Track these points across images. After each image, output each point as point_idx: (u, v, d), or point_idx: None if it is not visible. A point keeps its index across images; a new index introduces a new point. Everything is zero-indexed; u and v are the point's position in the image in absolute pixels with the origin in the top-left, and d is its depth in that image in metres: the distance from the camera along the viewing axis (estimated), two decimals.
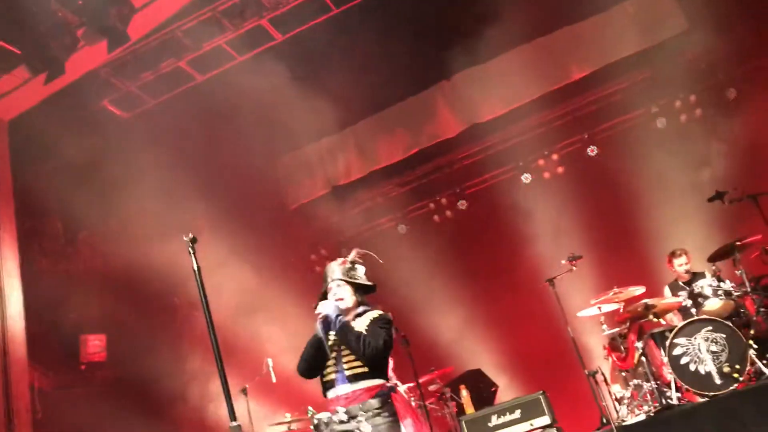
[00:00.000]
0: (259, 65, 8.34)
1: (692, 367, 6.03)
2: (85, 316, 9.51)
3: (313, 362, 4.03)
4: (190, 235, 3.68)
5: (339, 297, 4.14)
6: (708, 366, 6.00)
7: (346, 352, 3.97)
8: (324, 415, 3.89)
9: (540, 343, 8.32)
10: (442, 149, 10.05)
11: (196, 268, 3.60)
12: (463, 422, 6.32)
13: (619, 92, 9.57)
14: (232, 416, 3.32)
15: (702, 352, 6.06)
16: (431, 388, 7.43)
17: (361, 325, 4.02)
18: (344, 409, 3.86)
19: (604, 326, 6.84)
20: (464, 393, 7.23)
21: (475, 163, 10.15)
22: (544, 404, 6.05)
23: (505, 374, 8.36)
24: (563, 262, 6.88)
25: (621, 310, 6.83)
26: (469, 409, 7.04)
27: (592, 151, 9.57)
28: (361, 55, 8.94)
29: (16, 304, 7.69)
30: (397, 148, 9.98)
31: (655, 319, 6.59)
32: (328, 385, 4.00)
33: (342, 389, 3.92)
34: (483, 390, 7.71)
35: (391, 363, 4.84)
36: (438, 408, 7.38)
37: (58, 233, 9.46)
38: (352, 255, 4.33)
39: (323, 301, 4.10)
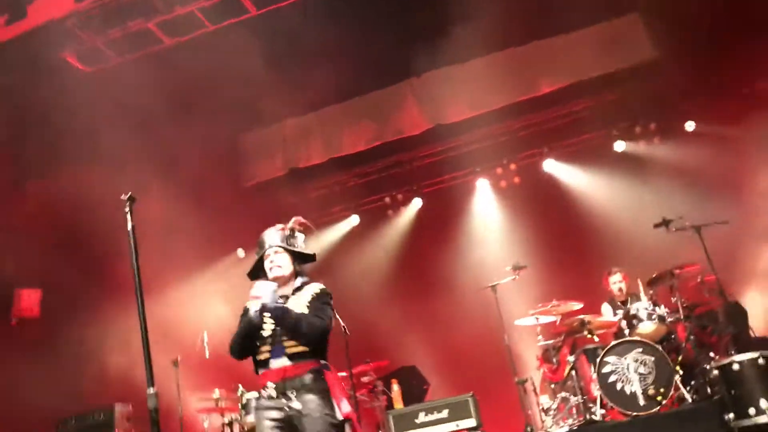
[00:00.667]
0: (230, 37, 8.21)
1: (619, 386, 6.17)
2: (22, 270, 9.29)
3: (248, 343, 3.88)
4: (129, 194, 3.56)
5: (277, 264, 3.97)
6: (634, 386, 6.14)
7: (285, 335, 3.82)
8: (252, 395, 3.84)
9: (475, 346, 8.42)
10: (404, 145, 10.07)
11: (130, 228, 3.53)
12: (391, 416, 6.37)
13: (584, 111, 9.74)
14: (150, 382, 3.29)
15: (630, 372, 6.20)
16: (364, 379, 7.46)
17: (301, 301, 3.88)
18: (274, 385, 3.75)
19: (540, 337, 6.97)
20: (396, 388, 7.28)
21: (434, 163, 10.22)
22: (471, 406, 6.13)
23: (438, 374, 8.44)
24: (507, 269, 6.98)
25: (558, 323, 6.96)
26: (399, 405, 7.10)
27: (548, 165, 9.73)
28: (335, 40, 8.87)
29: None
30: (360, 139, 9.96)
31: (590, 336, 6.74)
32: (261, 364, 3.86)
33: (275, 364, 3.77)
34: (415, 387, 7.77)
35: None
36: (368, 400, 7.42)
37: (6, 179, 9.19)
38: (292, 222, 4.15)
39: (260, 282, 3.87)
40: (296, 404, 3.67)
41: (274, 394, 3.72)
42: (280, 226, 4.12)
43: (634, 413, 6.03)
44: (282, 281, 3.96)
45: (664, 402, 6.03)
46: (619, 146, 9.59)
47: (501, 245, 9.12)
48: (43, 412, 7.39)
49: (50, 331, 9.08)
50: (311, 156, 10.29)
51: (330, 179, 10.52)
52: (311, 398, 3.68)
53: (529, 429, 6.42)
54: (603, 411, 6.26)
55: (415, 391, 7.68)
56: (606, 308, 7.31)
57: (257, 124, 10.26)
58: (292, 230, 4.10)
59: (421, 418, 6.23)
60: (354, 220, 10.45)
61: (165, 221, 8.19)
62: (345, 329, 7.15)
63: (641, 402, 6.06)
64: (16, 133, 8.75)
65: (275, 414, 3.71)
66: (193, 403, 7.46)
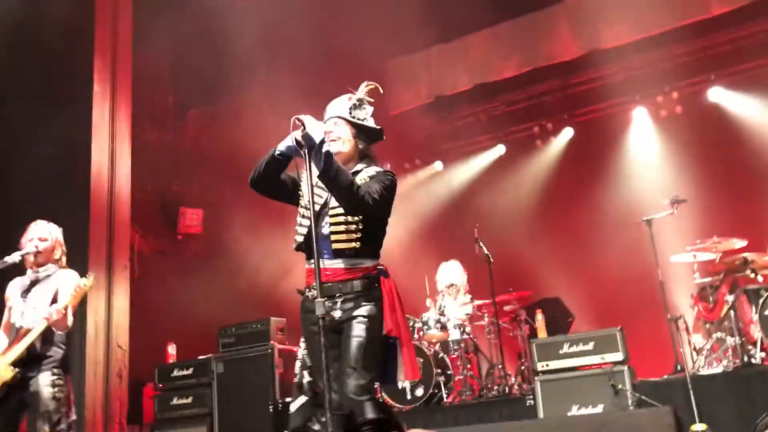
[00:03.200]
0: None
1: None
2: (186, 190, 10.00)
3: (270, 176, 3.28)
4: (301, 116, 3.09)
5: (335, 136, 3.33)
6: None
7: (333, 212, 3.25)
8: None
9: (625, 282, 8.11)
10: (556, 72, 9.63)
11: (299, 148, 3.11)
12: (534, 345, 6.32)
13: (759, 35, 8.83)
14: (320, 293, 3.01)
15: None
16: (506, 308, 7.44)
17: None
18: (320, 285, 3.16)
19: (696, 274, 6.62)
20: (539, 317, 7.21)
21: (588, 91, 9.70)
22: (619, 340, 5.95)
23: (584, 308, 8.23)
24: (665, 203, 6.60)
25: (717, 261, 6.56)
26: (542, 334, 7.04)
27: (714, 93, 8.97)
28: None
29: (125, 168, 8.14)
30: (509, 65, 9.64)
31: (752, 275, 6.30)
32: (305, 247, 3.32)
33: (322, 263, 3.21)
34: (559, 319, 7.65)
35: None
36: (510, 329, 7.41)
37: (169, 107, 9.82)
38: (362, 90, 3.45)
39: (311, 119, 3.11)
40: (339, 311, 3.22)
41: (319, 295, 3.11)
42: (347, 95, 3.45)
43: None
44: (341, 158, 3.30)
45: None
46: None
47: (658, 178, 8.61)
48: (205, 320, 8.01)
49: (211, 247, 9.77)
50: (457, 83, 10.12)
51: (476, 107, 10.33)
52: (359, 306, 3.23)
53: (679, 367, 6.17)
54: (763, 354, 5.88)
55: (559, 323, 7.56)
56: None
57: (403, 51, 10.19)
58: (360, 100, 3.42)
59: (565, 348, 6.14)
60: (500, 149, 10.25)
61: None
62: (489, 257, 7.14)
63: None
64: (180, 62, 9.26)
65: (320, 311, 3.05)
66: None
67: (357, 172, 3.37)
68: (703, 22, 8.68)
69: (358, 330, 3.20)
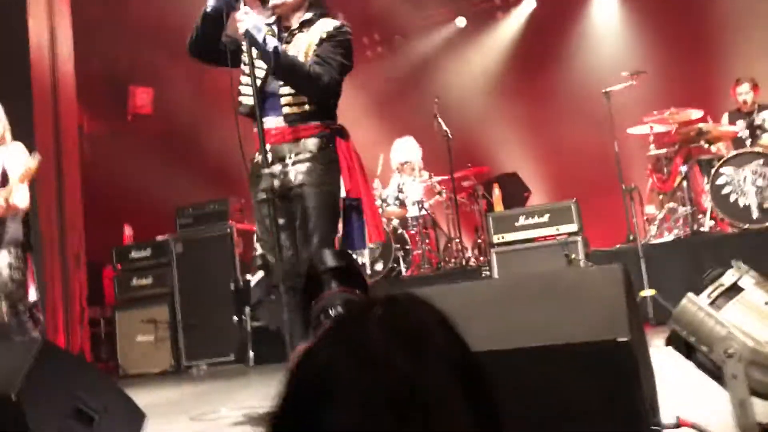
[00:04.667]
0: None
1: (732, 198, 5.88)
2: (135, 68, 9.57)
3: (208, 39, 3.08)
4: None
5: None
6: (749, 199, 5.84)
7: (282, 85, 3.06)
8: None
9: (582, 154, 8.15)
10: None
11: (243, 32, 3.01)
12: (490, 218, 6.38)
13: None
14: (265, 163, 2.99)
15: (746, 184, 5.87)
16: (464, 183, 7.47)
17: (306, 41, 3.06)
18: (269, 147, 3.04)
19: (652, 146, 6.66)
20: (496, 192, 7.28)
21: None
22: (574, 212, 6.04)
23: (540, 181, 8.32)
24: (624, 74, 6.54)
25: (673, 132, 6.60)
26: (499, 208, 7.11)
27: None
28: None
29: (66, 44, 7.74)
30: None
31: (706, 146, 6.37)
32: (249, 109, 3.10)
33: (270, 123, 3.05)
34: (515, 193, 7.73)
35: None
36: (468, 203, 7.47)
37: None
38: None
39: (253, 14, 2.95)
40: (293, 174, 3.04)
41: (269, 159, 3.03)
42: None
43: (746, 225, 5.80)
44: (284, 9, 3.09)
45: None
46: None
47: (618, 50, 8.48)
48: (161, 201, 7.90)
49: (163, 128, 9.49)
50: None
51: None
52: (310, 168, 3.03)
53: (631, 237, 6.33)
54: (712, 222, 6.06)
55: (516, 198, 7.64)
56: (725, 119, 6.82)
57: None
58: None
59: (521, 221, 6.21)
60: (460, 22, 9.95)
61: None
62: (447, 133, 7.08)
63: (755, 215, 5.80)
64: None
65: (266, 184, 3.02)
66: None
67: (307, 22, 3.11)
68: None
69: (312, 198, 3.02)
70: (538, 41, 9.29)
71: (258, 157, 3.10)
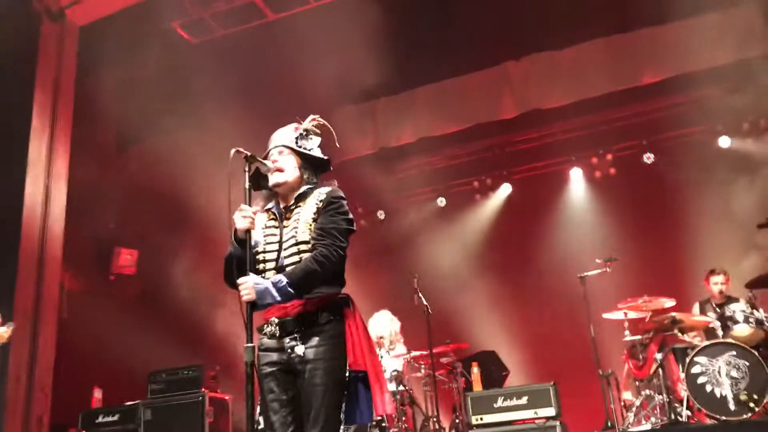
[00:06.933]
0: (333, 13, 8.31)
1: (708, 388, 5.96)
2: (122, 229, 9.75)
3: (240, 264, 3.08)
4: (248, 153, 3.08)
5: (279, 167, 3.22)
6: (725, 390, 5.91)
7: (287, 244, 3.12)
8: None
9: (559, 337, 8.30)
10: (497, 130, 9.93)
11: (246, 187, 3.09)
12: (469, 398, 6.35)
13: (687, 104, 9.32)
14: (249, 339, 2.89)
15: (721, 375, 5.98)
16: (443, 360, 7.47)
17: (305, 216, 3.14)
18: (277, 321, 3.04)
19: (627, 332, 6.80)
20: (475, 371, 7.27)
21: (527, 150, 10.06)
22: (552, 395, 6.05)
23: (519, 361, 8.37)
24: (598, 261, 6.83)
25: (647, 320, 6.78)
26: (478, 387, 7.08)
27: (648, 158, 9.36)
28: (435, 23, 8.83)
29: (59, 204, 7.92)
30: (453, 120, 9.88)
31: (680, 335, 6.54)
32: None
33: None
34: (494, 372, 7.73)
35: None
36: (447, 381, 7.44)
37: (111, 143, 9.64)
38: (308, 122, 3.39)
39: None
40: (300, 349, 3.00)
41: (276, 332, 3.04)
42: (294, 125, 3.37)
43: (724, 417, 5.82)
44: (285, 188, 3.24)
45: (756, 409, 5.79)
46: (724, 142, 9.16)
47: (592, 237, 8.91)
48: (135, 364, 7.75)
49: (145, 289, 9.51)
50: (401, 136, 10.30)
51: (419, 159, 10.53)
52: (320, 342, 3.00)
53: (609, 424, 6.30)
54: (689, 412, 6.07)
55: (494, 377, 7.64)
56: (696, 309, 7.06)
57: (350, 101, 10.33)
58: (307, 130, 3.35)
59: (500, 402, 6.20)
60: (441, 202, 10.43)
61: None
62: (427, 308, 7.19)
63: (732, 407, 5.83)
64: (123, 97, 9.15)
65: (275, 357, 3.03)
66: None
67: (302, 196, 3.24)
68: (635, 89, 9.12)
69: (320, 375, 2.97)
70: (516, 222, 9.75)
71: (268, 328, 3.09)
